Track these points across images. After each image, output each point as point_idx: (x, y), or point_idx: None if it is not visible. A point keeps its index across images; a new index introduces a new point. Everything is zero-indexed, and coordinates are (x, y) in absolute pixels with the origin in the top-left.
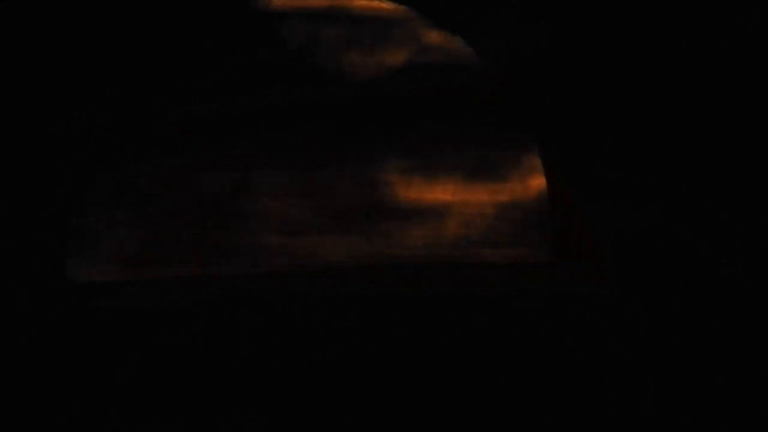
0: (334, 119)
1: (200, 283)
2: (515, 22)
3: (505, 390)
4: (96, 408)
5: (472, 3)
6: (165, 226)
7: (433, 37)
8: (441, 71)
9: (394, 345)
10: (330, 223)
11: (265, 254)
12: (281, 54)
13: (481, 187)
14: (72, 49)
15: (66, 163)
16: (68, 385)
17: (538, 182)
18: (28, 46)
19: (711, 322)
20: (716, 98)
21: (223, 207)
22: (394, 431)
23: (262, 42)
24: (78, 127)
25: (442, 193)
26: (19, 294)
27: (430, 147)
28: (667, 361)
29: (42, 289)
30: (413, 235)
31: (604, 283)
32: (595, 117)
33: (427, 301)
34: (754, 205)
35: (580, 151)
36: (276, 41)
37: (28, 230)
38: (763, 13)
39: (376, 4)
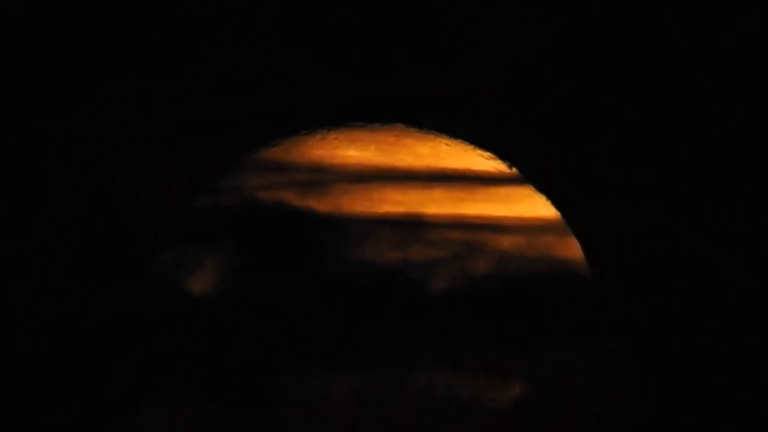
0: (334, 119)
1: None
2: (515, 22)
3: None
4: (96, 407)
5: (472, 3)
6: None
7: (512, 247)
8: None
9: None
10: None
11: None
12: (367, 274)
13: None
14: (72, 49)
15: (66, 163)
16: (68, 385)
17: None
18: (28, 46)
19: (711, 322)
20: (716, 98)
21: None
22: None
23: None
24: (78, 127)
25: None
26: (19, 294)
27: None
28: (667, 361)
29: (42, 289)
30: None
31: (604, 283)
32: (595, 117)
33: None
34: (754, 205)
35: (580, 151)
36: (361, 258)
37: (28, 230)
38: (763, 13)
39: (460, 212)
